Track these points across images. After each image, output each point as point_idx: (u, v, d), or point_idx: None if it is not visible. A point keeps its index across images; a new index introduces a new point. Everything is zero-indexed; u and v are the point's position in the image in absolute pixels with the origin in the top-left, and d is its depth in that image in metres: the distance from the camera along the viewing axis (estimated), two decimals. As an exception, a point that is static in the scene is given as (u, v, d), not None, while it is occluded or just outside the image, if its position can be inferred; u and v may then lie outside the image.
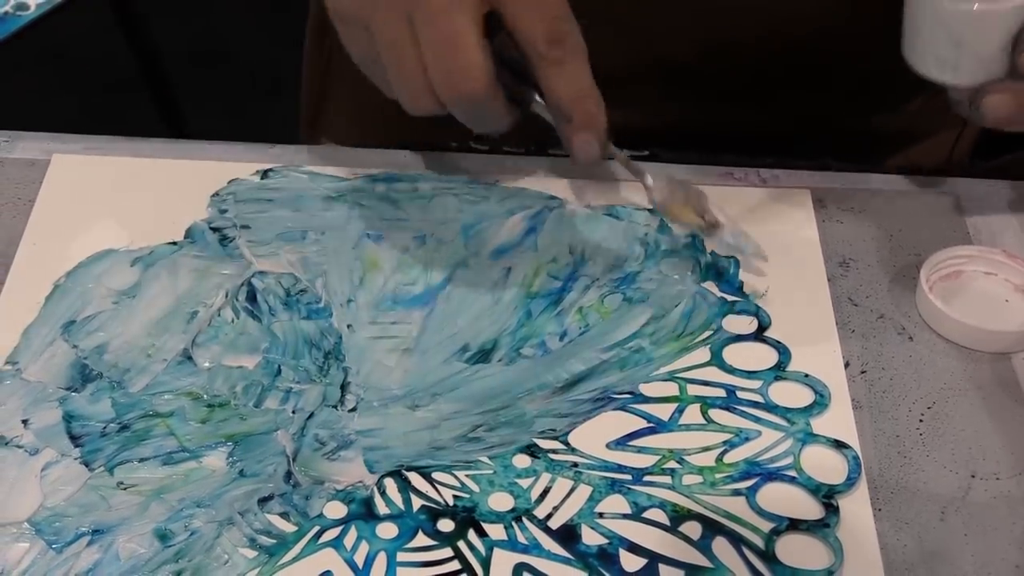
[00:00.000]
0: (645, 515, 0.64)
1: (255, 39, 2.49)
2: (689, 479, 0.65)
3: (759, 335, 0.73)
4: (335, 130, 1.02)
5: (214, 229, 0.77)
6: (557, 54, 0.65)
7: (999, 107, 0.68)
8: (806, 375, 0.70)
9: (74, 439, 0.66)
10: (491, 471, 0.65)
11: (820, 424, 0.68)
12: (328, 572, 0.61)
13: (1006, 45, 0.67)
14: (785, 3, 0.80)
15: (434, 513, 0.63)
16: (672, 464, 0.66)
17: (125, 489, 0.64)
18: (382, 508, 0.64)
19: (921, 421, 0.69)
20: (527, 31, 0.65)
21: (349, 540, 0.62)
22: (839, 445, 0.67)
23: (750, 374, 0.71)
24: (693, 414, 0.68)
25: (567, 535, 0.63)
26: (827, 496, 0.65)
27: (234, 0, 2.63)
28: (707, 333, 0.73)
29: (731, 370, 0.71)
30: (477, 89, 0.65)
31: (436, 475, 0.65)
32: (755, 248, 0.74)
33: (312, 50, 1.04)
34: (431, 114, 0.67)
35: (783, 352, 0.72)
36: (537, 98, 0.68)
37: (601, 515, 0.64)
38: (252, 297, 0.74)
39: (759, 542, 0.63)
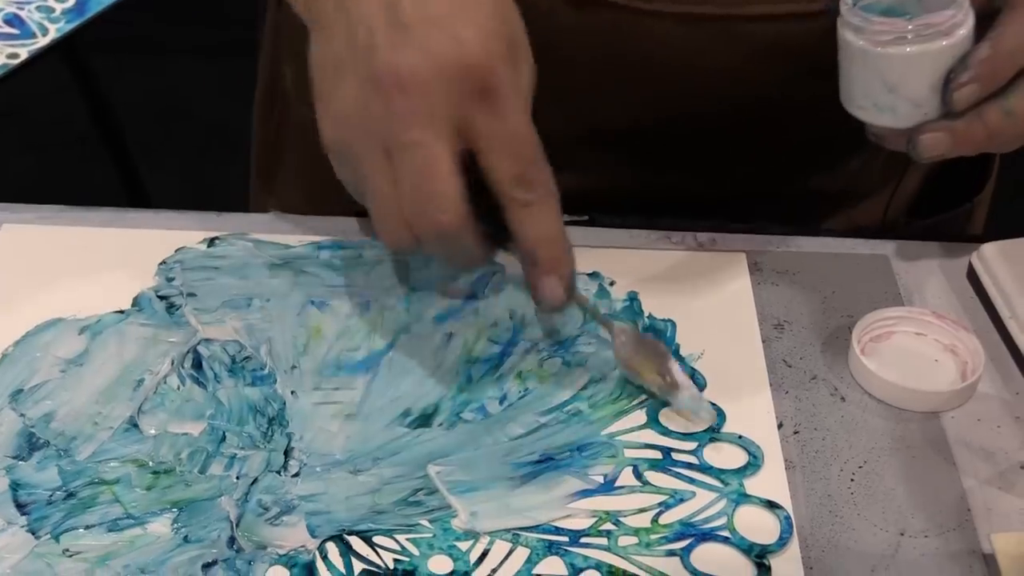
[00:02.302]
0: (582, 576, 0.65)
1: (211, 95, 2.50)
2: (625, 540, 0.66)
3: (694, 397, 0.74)
4: (285, 196, 1.03)
5: (161, 297, 0.78)
6: (526, 196, 0.65)
7: (936, 145, 0.70)
8: (740, 436, 0.72)
9: (20, 507, 0.67)
10: (431, 534, 0.66)
11: (753, 484, 0.69)
12: (270, 637, 0.62)
13: (937, 84, 0.69)
14: (720, 75, 0.82)
15: (375, 577, 0.65)
16: (608, 526, 0.67)
17: (71, 556, 0.65)
18: (323, 572, 0.64)
19: (852, 480, 0.70)
20: (497, 170, 0.65)
21: (291, 605, 0.64)
22: (771, 505, 0.68)
23: (685, 436, 0.72)
24: (629, 476, 0.70)
25: (505, 597, 0.64)
26: (759, 556, 0.66)
27: (191, 57, 2.65)
28: (643, 396, 0.74)
29: (667, 432, 0.72)
30: (450, 220, 0.64)
31: (377, 539, 0.66)
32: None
33: (260, 121, 1.05)
34: (409, 252, 0.67)
35: (718, 413, 0.73)
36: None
37: (538, 577, 0.65)
38: (198, 364, 0.75)
39: (692, 602, 0.64)
